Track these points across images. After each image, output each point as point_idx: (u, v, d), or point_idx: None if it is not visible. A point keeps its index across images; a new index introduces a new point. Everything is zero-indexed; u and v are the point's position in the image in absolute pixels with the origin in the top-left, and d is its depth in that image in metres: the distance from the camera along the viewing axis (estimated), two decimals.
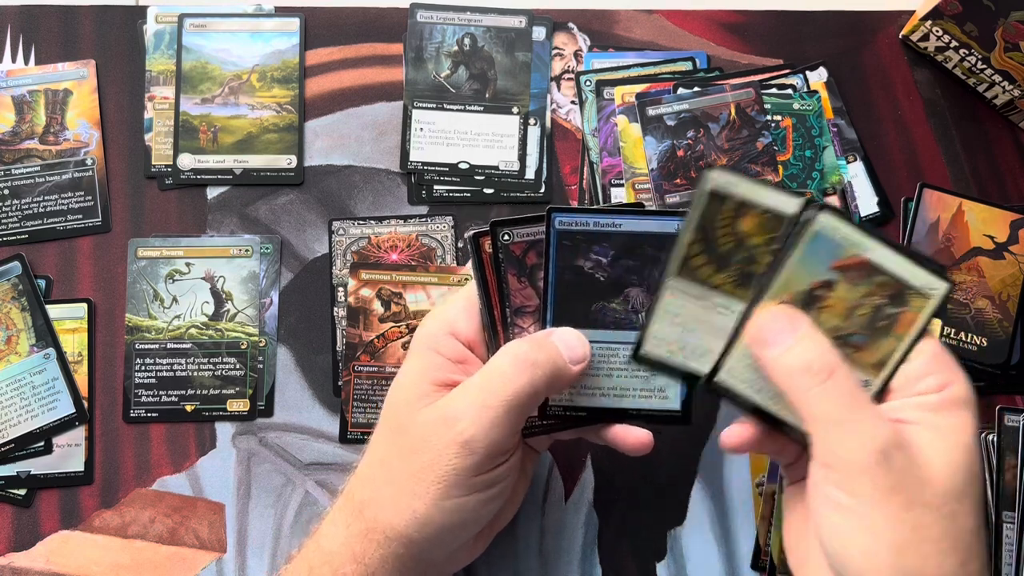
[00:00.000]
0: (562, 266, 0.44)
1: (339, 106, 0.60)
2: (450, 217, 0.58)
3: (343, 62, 0.61)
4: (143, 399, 0.56)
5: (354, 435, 0.56)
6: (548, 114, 0.60)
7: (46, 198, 0.58)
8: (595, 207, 0.45)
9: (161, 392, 0.56)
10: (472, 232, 0.44)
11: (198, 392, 0.56)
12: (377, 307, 0.57)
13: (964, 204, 0.57)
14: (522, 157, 0.59)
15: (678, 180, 0.55)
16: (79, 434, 0.56)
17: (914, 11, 0.60)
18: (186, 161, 0.59)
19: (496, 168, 0.59)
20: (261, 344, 0.57)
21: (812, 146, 0.57)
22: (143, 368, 0.56)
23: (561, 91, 0.60)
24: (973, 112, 0.61)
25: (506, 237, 0.44)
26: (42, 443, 0.55)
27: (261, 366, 0.57)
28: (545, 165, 0.59)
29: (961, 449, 0.39)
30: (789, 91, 0.58)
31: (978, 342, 0.56)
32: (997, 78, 0.58)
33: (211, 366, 0.57)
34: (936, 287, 0.41)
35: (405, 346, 0.56)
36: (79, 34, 0.60)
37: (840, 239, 0.41)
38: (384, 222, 0.58)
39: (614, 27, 0.61)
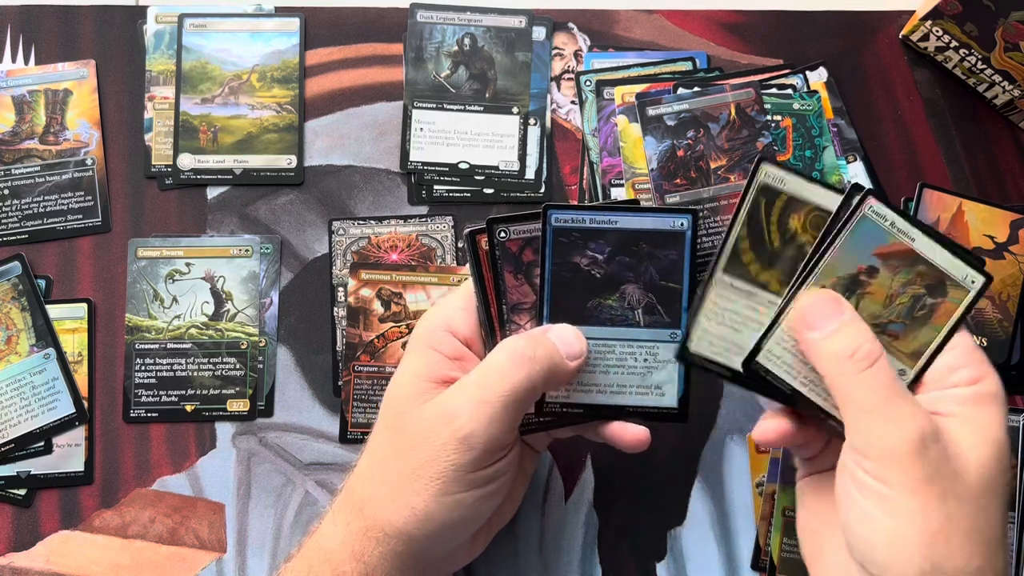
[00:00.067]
0: (558, 263, 0.44)
1: (339, 106, 0.60)
2: (450, 217, 0.58)
3: (343, 62, 0.61)
4: (143, 399, 0.56)
5: (354, 435, 0.56)
6: (548, 114, 0.60)
7: (46, 198, 0.58)
8: (591, 204, 0.45)
9: (161, 392, 0.56)
10: (469, 230, 0.45)
11: (198, 392, 0.56)
12: (377, 307, 0.57)
13: (964, 204, 0.57)
14: (522, 157, 0.59)
15: (678, 180, 0.55)
16: (79, 434, 0.56)
17: (914, 11, 0.60)
18: (186, 161, 0.59)
19: (496, 168, 0.59)
20: (261, 344, 0.57)
21: (812, 146, 0.57)
22: (143, 368, 0.56)
23: (561, 91, 0.60)
24: (973, 112, 0.61)
25: (502, 234, 0.44)
26: (42, 443, 0.55)
27: (261, 366, 0.57)
28: (545, 165, 0.59)
29: (993, 444, 0.39)
30: (789, 91, 0.58)
31: (978, 342, 0.56)
32: (997, 78, 0.58)
33: (211, 366, 0.57)
34: (976, 280, 0.42)
35: (405, 346, 0.56)
36: (79, 34, 0.60)
37: (885, 226, 0.42)
38: (384, 222, 0.58)
39: (614, 27, 0.61)
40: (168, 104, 0.59)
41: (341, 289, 0.58)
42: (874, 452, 0.39)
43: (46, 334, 0.56)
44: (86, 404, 0.56)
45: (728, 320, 0.44)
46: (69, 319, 0.56)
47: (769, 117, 0.57)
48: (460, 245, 0.58)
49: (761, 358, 0.44)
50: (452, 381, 0.43)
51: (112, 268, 0.58)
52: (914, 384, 0.42)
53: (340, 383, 0.56)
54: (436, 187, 0.59)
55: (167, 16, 0.60)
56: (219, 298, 0.57)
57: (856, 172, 0.59)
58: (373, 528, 0.43)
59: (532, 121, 0.60)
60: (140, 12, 0.61)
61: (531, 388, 0.42)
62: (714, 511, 0.56)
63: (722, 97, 0.56)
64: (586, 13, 0.61)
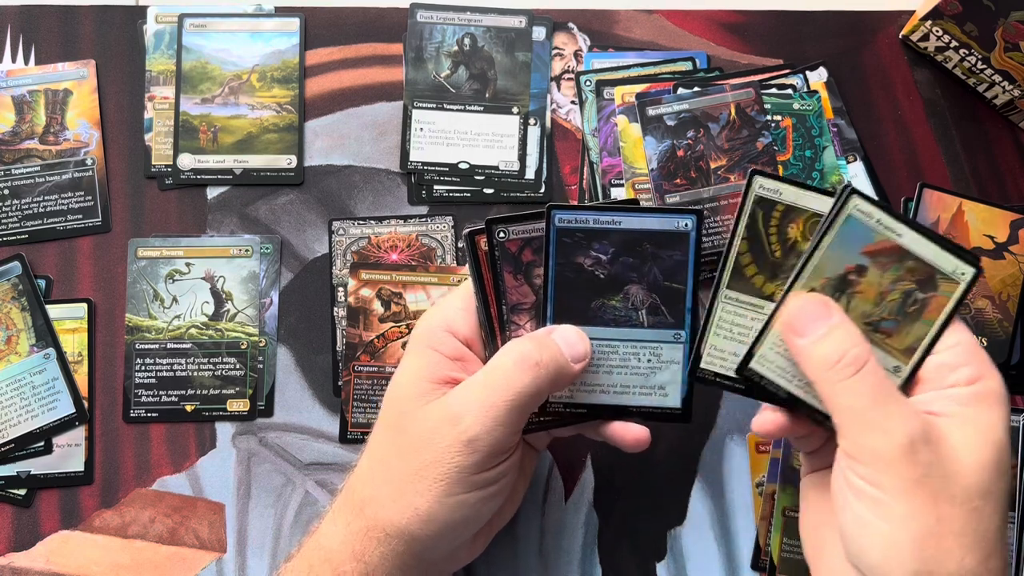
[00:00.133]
0: (562, 263, 0.44)
1: (339, 106, 0.60)
2: (450, 217, 0.58)
3: (343, 62, 0.61)
4: (143, 399, 0.56)
5: (354, 435, 0.56)
6: (548, 114, 0.60)
7: (46, 198, 0.58)
8: (594, 204, 0.45)
9: (161, 392, 0.56)
10: (468, 230, 0.45)
11: (198, 392, 0.56)
12: (377, 307, 0.57)
13: (964, 204, 0.57)
14: (522, 157, 0.59)
15: (678, 180, 0.55)
16: (79, 434, 0.56)
17: (914, 11, 0.60)
18: (186, 161, 0.59)
19: (496, 168, 0.59)
20: (261, 344, 0.57)
21: (812, 146, 0.57)
22: (143, 368, 0.56)
23: (561, 91, 0.60)
24: (973, 112, 0.61)
25: (501, 235, 0.44)
26: (42, 443, 0.55)
27: (261, 366, 0.57)
28: (545, 165, 0.59)
29: (991, 445, 0.39)
30: (789, 91, 0.58)
31: (978, 342, 0.56)
32: (997, 78, 0.58)
33: (211, 366, 0.57)
34: (965, 272, 0.41)
35: (405, 346, 0.56)
36: (79, 34, 0.60)
37: (872, 224, 0.41)
38: (384, 222, 0.58)
39: (614, 27, 0.61)
40: (168, 104, 0.59)
41: (341, 289, 0.58)
42: (865, 456, 0.39)
43: (46, 334, 0.56)
44: (86, 404, 0.56)
45: (738, 334, 0.44)
46: (69, 319, 0.57)
47: (769, 117, 0.57)
48: (460, 245, 0.58)
49: (754, 364, 0.43)
50: (453, 381, 0.43)
51: (112, 268, 0.58)
52: (910, 380, 0.42)
53: (340, 383, 0.56)
54: (436, 187, 0.59)
55: (167, 16, 0.60)
56: (219, 298, 0.57)
57: (856, 172, 0.59)
58: (374, 528, 0.43)
59: (532, 121, 0.60)
60: (140, 12, 0.61)
61: (536, 392, 0.42)
62: (714, 511, 0.56)
63: (722, 97, 0.56)
64: (586, 13, 0.61)
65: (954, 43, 0.58)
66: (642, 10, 0.62)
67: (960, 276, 0.42)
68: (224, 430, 0.56)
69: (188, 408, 0.56)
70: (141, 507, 0.55)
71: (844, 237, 0.42)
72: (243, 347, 0.57)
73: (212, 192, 0.59)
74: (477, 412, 0.41)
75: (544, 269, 0.44)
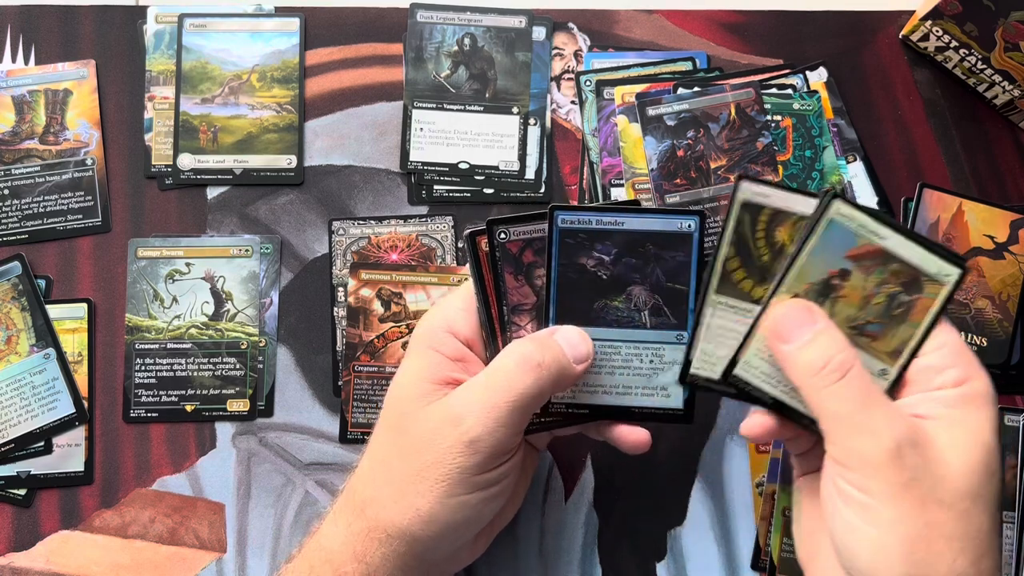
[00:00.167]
0: (564, 264, 0.44)
1: (339, 106, 0.60)
2: (450, 217, 0.58)
3: (343, 62, 0.61)
4: (143, 399, 0.56)
5: (354, 435, 0.56)
6: (548, 114, 0.60)
7: (46, 198, 0.58)
8: (597, 205, 0.45)
9: (161, 392, 0.56)
10: (468, 231, 0.45)
11: (198, 392, 0.56)
12: (377, 307, 0.57)
13: (964, 204, 0.57)
14: (522, 157, 0.59)
15: (678, 180, 0.55)
16: (79, 434, 0.56)
17: (914, 11, 0.60)
18: (186, 161, 0.59)
19: (496, 168, 0.59)
20: (261, 344, 0.57)
21: (812, 146, 0.57)
22: (143, 368, 0.56)
23: (561, 91, 0.60)
24: (973, 112, 0.61)
25: (502, 235, 0.44)
26: (42, 443, 0.55)
27: (261, 366, 0.57)
28: (545, 165, 0.59)
29: (979, 447, 0.39)
30: (789, 91, 0.58)
31: (978, 342, 0.56)
32: (997, 78, 0.58)
33: (211, 366, 0.57)
34: (950, 273, 0.41)
35: (405, 346, 0.56)
36: (79, 34, 0.60)
37: (854, 227, 0.41)
38: (384, 222, 0.58)
39: (614, 27, 0.61)
40: (168, 104, 0.59)
41: (341, 289, 0.58)
42: (852, 462, 0.39)
43: (46, 334, 0.56)
44: (86, 404, 0.56)
45: (728, 340, 0.44)
46: (69, 319, 0.57)
47: (769, 117, 0.57)
48: (460, 245, 0.58)
49: (739, 370, 0.43)
50: (455, 382, 0.43)
51: (112, 268, 0.58)
52: (897, 383, 0.42)
53: (340, 383, 0.56)
54: (436, 187, 0.59)
55: (167, 16, 0.60)
56: (219, 298, 0.57)
57: (856, 172, 0.59)
58: (375, 529, 0.43)
59: (532, 121, 0.60)
60: (140, 12, 0.61)
61: (539, 394, 0.42)
62: (714, 511, 0.56)
63: (722, 97, 0.56)
64: (586, 13, 0.61)
65: (954, 43, 0.58)
66: (642, 10, 0.62)
67: (945, 278, 0.41)
68: (224, 430, 0.56)
69: (188, 408, 0.56)
70: (141, 507, 0.55)
71: (827, 242, 0.41)
72: (243, 347, 0.57)
73: (212, 192, 0.59)
74: (479, 413, 0.41)
75: (547, 270, 0.44)
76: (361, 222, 0.58)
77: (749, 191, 0.42)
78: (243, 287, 0.57)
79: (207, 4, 0.61)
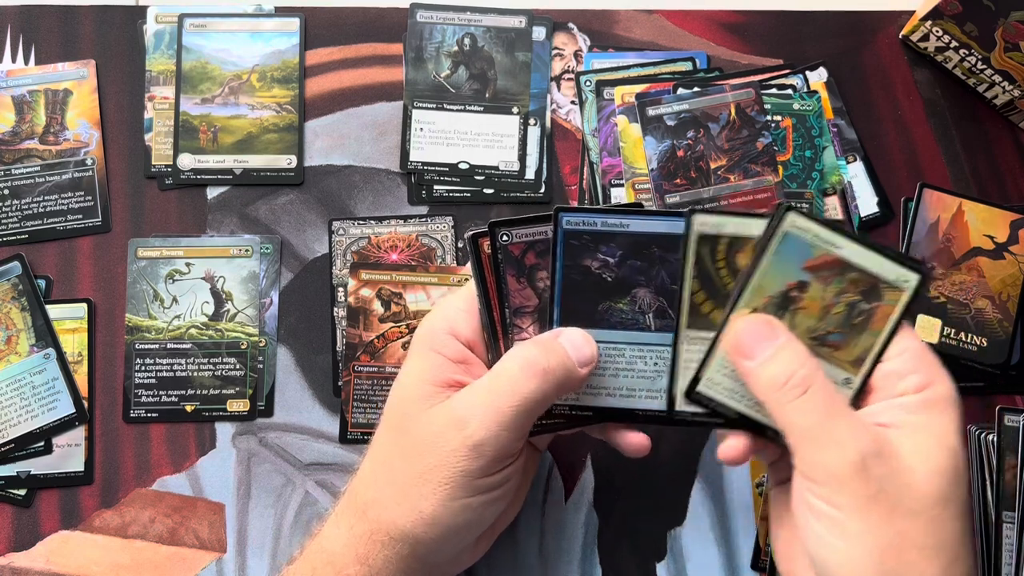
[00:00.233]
0: (569, 265, 0.44)
1: (339, 106, 0.60)
2: (450, 217, 0.58)
3: (343, 62, 0.61)
4: (143, 399, 0.56)
5: (354, 435, 0.56)
6: (548, 114, 0.60)
7: (46, 198, 0.58)
8: (603, 207, 0.45)
9: (161, 392, 0.56)
10: (471, 233, 0.44)
11: (198, 392, 0.56)
12: (377, 307, 0.57)
13: (964, 204, 0.57)
14: (522, 157, 0.59)
15: (678, 180, 0.55)
16: (79, 434, 0.56)
17: (914, 11, 0.60)
18: (186, 161, 0.59)
19: (496, 168, 0.59)
20: (261, 344, 0.57)
21: (812, 146, 0.57)
22: (143, 368, 0.56)
23: (561, 91, 0.60)
24: (973, 112, 0.61)
25: (505, 238, 0.44)
26: (42, 443, 0.55)
27: (261, 366, 0.57)
28: (545, 165, 0.59)
29: (944, 452, 0.38)
30: (789, 91, 0.58)
31: (978, 342, 0.56)
32: (997, 78, 0.58)
33: (211, 366, 0.57)
34: (909, 279, 0.41)
35: (405, 346, 0.56)
36: (79, 34, 0.60)
37: (810, 239, 0.41)
38: (384, 222, 0.58)
39: (614, 27, 0.61)
40: (168, 104, 0.59)
41: (341, 289, 0.58)
42: (819, 476, 0.39)
43: (46, 334, 0.56)
44: (86, 404, 0.56)
45: (725, 364, 0.44)
46: (69, 319, 0.57)
47: (769, 117, 0.57)
48: (460, 245, 0.58)
49: (702, 387, 0.43)
50: (457, 384, 0.43)
51: (112, 268, 0.58)
52: (862, 391, 0.42)
53: (340, 383, 0.56)
54: (436, 187, 0.59)
55: (167, 16, 0.60)
56: (219, 298, 0.57)
57: (856, 172, 0.59)
58: (378, 531, 0.42)
59: (532, 121, 0.60)
60: (140, 12, 0.61)
61: (543, 398, 0.42)
62: (714, 511, 0.56)
63: (722, 97, 0.56)
64: (586, 13, 0.61)
65: (954, 43, 0.58)
66: (642, 10, 0.62)
67: (904, 284, 0.41)
68: (224, 430, 0.56)
69: (188, 408, 0.56)
70: (141, 507, 0.55)
71: (783, 255, 0.41)
72: (243, 347, 0.57)
73: (212, 192, 0.59)
74: (483, 417, 0.41)
75: (551, 271, 0.44)
76: (361, 222, 0.58)
77: (703, 224, 0.42)
78: (243, 287, 0.57)
79: (207, 4, 0.61)
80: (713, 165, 0.55)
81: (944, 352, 0.56)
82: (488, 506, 0.43)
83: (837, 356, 0.42)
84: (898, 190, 0.59)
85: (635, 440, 0.45)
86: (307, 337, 0.57)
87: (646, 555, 0.55)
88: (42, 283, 0.57)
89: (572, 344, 0.43)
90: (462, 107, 0.60)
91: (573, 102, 0.60)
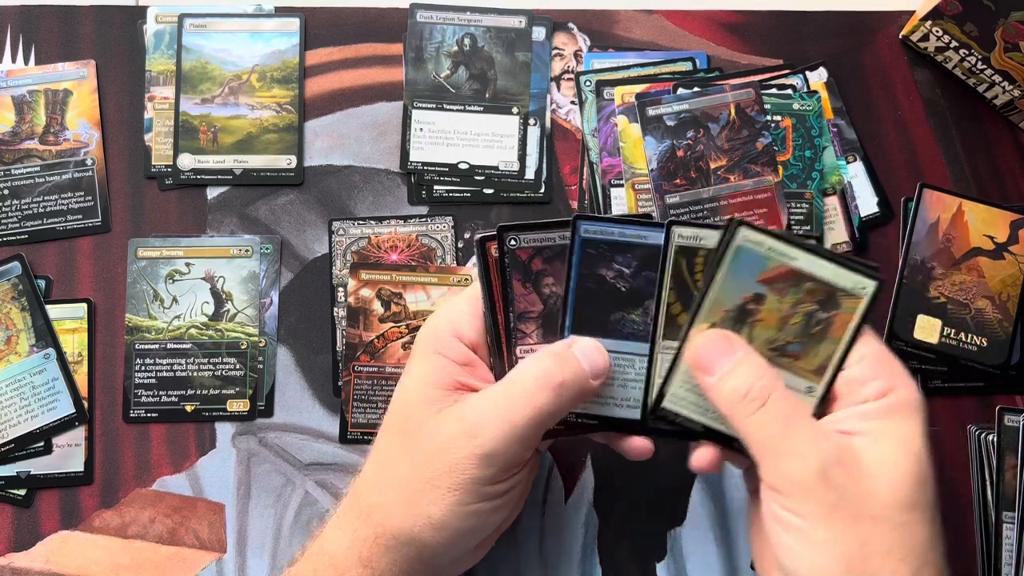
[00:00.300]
0: (584, 274, 0.44)
1: (339, 106, 0.60)
2: (450, 217, 0.58)
3: (343, 62, 0.61)
4: (143, 399, 0.56)
5: (354, 435, 0.56)
6: (548, 114, 0.60)
7: (46, 198, 0.58)
8: (621, 217, 0.45)
9: (161, 392, 0.56)
10: (479, 236, 0.44)
11: (198, 392, 0.56)
12: (377, 307, 0.57)
13: (964, 204, 0.57)
14: (522, 157, 0.59)
15: (678, 180, 0.55)
16: (79, 434, 0.56)
17: (914, 11, 0.60)
18: (186, 161, 0.59)
19: (496, 168, 0.59)
20: (261, 344, 0.57)
21: (812, 146, 0.57)
22: (143, 368, 0.56)
23: (561, 91, 0.60)
24: (973, 112, 0.61)
25: (512, 242, 0.44)
26: (42, 443, 0.55)
27: (261, 366, 0.57)
28: (545, 165, 0.59)
29: (907, 456, 0.39)
30: (789, 91, 0.58)
31: (978, 342, 0.56)
32: (997, 78, 0.58)
33: (211, 366, 0.57)
34: (866, 286, 0.41)
35: (405, 346, 0.56)
36: (79, 34, 0.60)
37: (763, 251, 0.41)
38: (384, 222, 0.58)
39: (614, 27, 0.61)
40: (168, 104, 0.59)
41: (341, 289, 0.58)
42: (783, 486, 0.39)
43: (46, 334, 0.56)
44: (86, 404, 0.56)
45: (688, 379, 0.44)
46: (69, 319, 0.57)
47: (769, 117, 0.57)
48: (460, 245, 0.58)
49: (667, 403, 0.44)
50: (464, 387, 0.43)
51: (112, 268, 0.58)
52: (825, 399, 0.42)
53: (340, 383, 0.56)
54: (436, 187, 0.59)
55: (167, 16, 0.60)
56: (219, 298, 0.57)
57: (856, 172, 0.59)
58: (383, 535, 0.42)
59: (532, 121, 0.60)
60: (140, 12, 0.61)
61: (557, 411, 0.42)
62: (714, 511, 0.56)
63: (722, 97, 0.56)
64: (586, 13, 0.61)
65: (954, 43, 0.58)
66: (642, 10, 0.62)
67: (861, 291, 0.41)
68: (224, 430, 0.56)
69: (188, 408, 0.56)
70: (141, 507, 0.55)
71: (737, 269, 0.41)
72: (243, 347, 0.57)
73: (212, 192, 0.59)
74: (495, 427, 0.41)
75: (565, 278, 0.44)
76: (361, 222, 0.58)
77: (682, 236, 0.42)
78: (243, 287, 0.57)
79: (207, 4, 0.61)
80: (713, 165, 0.55)
81: (944, 352, 0.56)
82: (496, 511, 0.43)
83: (798, 366, 0.42)
84: (898, 190, 0.59)
85: (639, 444, 0.45)
86: (307, 337, 0.57)
87: (646, 555, 0.55)
88: (42, 283, 0.57)
89: (585, 356, 0.43)
90: (462, 107, 0.60)
91: (573, 102, 0.60)
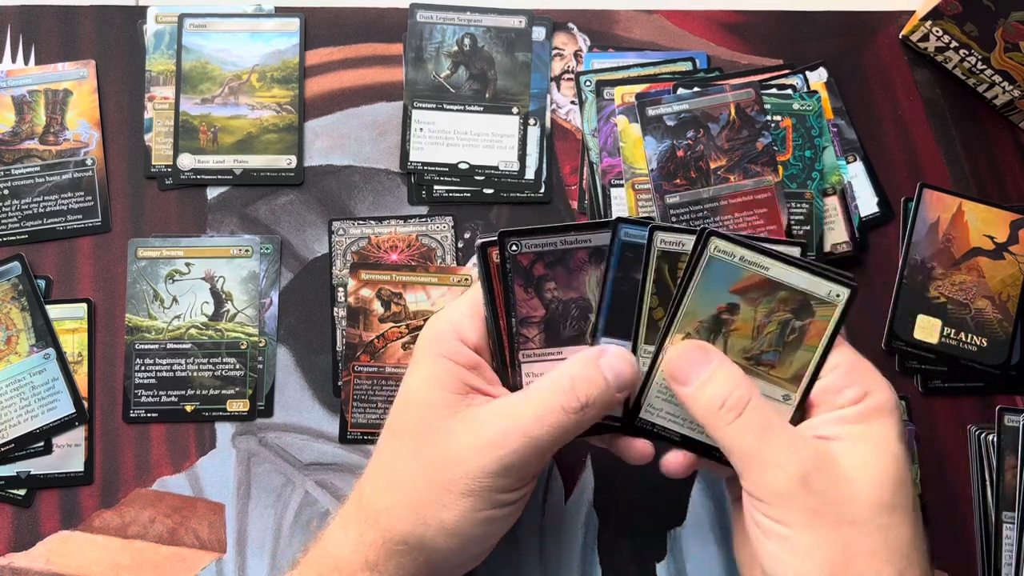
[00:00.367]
0: (620, 277, 0.44)
1: (339, 106, 0.60)
2: (450, 217, 0.58)
3: (343, 62, 0.61)
4: (143, 399, 0.56)
5: (354, 435, 0.56)
6: (548, 114, 0.60)
7: (46, 198, 0.58)
8: (662, 224, 0.44)
9: (161, 392, 0.56)
10: (480, 241, 0.44)
11: (198, 392, 0.56)
12: (377, 307, 0.57)
13: (964, 204, 0.57)
14: (522, 157, 0.59)
15: (678, 180, 0.55)
16: (79, 434, 0.56)
17: (914, 11, 0.60)
18: (186, 161, 0.59)
19: (496, 168, 0.59)
20: (261, 344, 0.57)
21: (812, 146, 0.57)
22: (143, 368, 0.56)
23: (561, 91, 0.60)
24: (973, 112, 0.61)
25: (514, 248, 0.44)
26: (42, 443, 0.55)
27: (261, 366, 0.57)
28: (545, 165, 0.59)
29: (885, 459, 0.39)
30: (789, 91, 0.58)
31: (978, 342, 0.56)
32: (997, 78, 0.58)
33: (211, 366, 0.57)
34: (840, 293, 0.41)
35: (405, 346, 0.56)
36: (79, 34, 0.60)
37: (736, 261, 0.41)
38: (384, 222, 0.58)
39: (614, 27, 0.61)
40: (168, 104, 0.59)
41: (341, 289, 0.58)
42: (764, 495, 0.39)
43: (46, 334, 0.56)
44: (86, 404, 0.56)
45: (664, 389, 0.44)
46: (69, 319, 0.57)
47: (769, 117, 0.57)
48: (460, 245, 0.58)
49: (644, 414, 0.44)
50: (474, 390, 0.43)
51: (112, 268, 0.58)
52: (803, 406, 0.42)
53: (340, 383, 0.56)
54: (436, 187, 0.59)
55: (167, 16, 0.60)
56: (219, 298, 0.57)
57: (856, 172, 0.59)
58: (391, 540, 0.42)
59: (532, 121, 0.60)
60: (140, 12, 0.61)
61: (578, 428, 0.42)
62: (714, 511, 0.56)
63: (722, 97, 0.56)
64: (586, 13, 0.61)
65: (954, 43, 0.58)
66: (642, 10, 0.62)
67: (836, 299, 0.41)
68: (224, 430, 0.56)
69: (188, 408, 0.56)
70: (141, 507, 0.55)
71: (710, 279, 0.42)
72: (243, 347, 0.57)
73: (212, 192, 0.59)
74: (516, 441, 0.41)
75: (602, 280, 0.44)
76: (361, 222, 0.58)
77: (664, 241, 0.42)
78: (243, 287, 0.57)
79: (207, 4, 0.61)
80: (713, 165, 0.55)
81: (944, 352, 0.56)
82: (507, 518, 0.43)
83: (774, 374, 0.42)
84: (898, 190, 0.59)
85: (640, 448, 0.45)
86: (307, 337, 0.57)
87: (646, 555, 0.55)
88: (42, 283, 0.57)
89: (613, 369, 0.43)
90: (462, 107, 0.60)
91: (573, 102, 0.60)
